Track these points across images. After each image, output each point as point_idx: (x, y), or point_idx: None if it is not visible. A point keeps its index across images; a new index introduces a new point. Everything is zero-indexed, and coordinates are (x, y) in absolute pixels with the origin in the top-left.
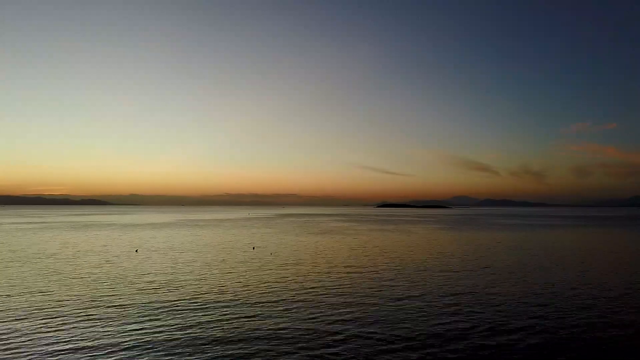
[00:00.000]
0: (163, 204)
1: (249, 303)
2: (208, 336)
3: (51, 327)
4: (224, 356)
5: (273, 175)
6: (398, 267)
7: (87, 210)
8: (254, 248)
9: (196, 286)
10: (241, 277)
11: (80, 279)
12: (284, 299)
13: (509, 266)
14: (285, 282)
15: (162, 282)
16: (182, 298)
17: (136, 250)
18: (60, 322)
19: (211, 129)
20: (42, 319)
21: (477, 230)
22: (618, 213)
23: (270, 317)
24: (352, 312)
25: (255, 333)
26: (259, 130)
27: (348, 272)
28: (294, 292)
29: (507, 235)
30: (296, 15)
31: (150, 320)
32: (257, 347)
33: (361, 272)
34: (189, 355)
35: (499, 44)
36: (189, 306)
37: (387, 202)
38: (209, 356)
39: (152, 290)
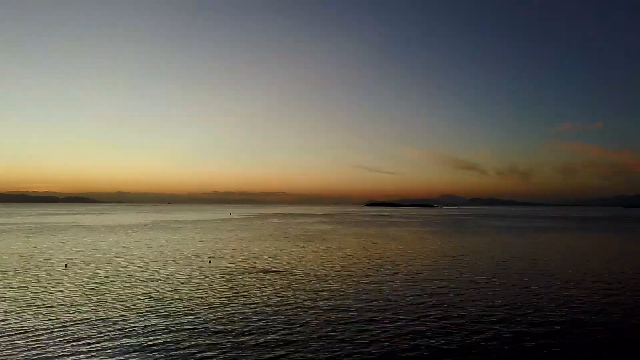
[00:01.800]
0: (150, 201)
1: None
2: None
3: None
4: None
5: (262, 173)
6: (376, 281)
7: (66, 208)
8: (210, 262)
9: (111, 312)
10: (174, 303)
11: None
12: (216, 327)
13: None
14: (230, 306)
15: (73, 308)
16: (87, 326)
17: (66, 265)
18: None
19: (199, 126)
20: None
21: (462, 234)
22: (603, 214)
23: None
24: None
25: None
26: (247, 128)
27: (320, 287)
28: (238, 321)
29: (494, 239)
30: (283, 12)
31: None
32: None
33: (330, 288)
34: None
35: (489, 44)
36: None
37: (375, 200)
38: None
39: (56, 317)
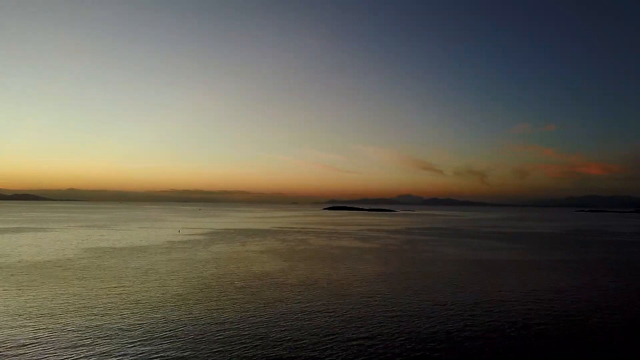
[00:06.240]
0: (103, 199)
1: None
2: None
3: None
4: None
5: (221, 170)
6: None
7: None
8: None
9: None
10: None
11: None
12: None
13: None
14: None
15: None
16: None
17: None
18: None
19: (156, 121)
20: None
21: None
22: (558, 228)
23: None
24: None
25: None
26: (207, 125)
27: None
28: None
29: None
30: (242, 6)
31: None
32: None
33: None
34: None
35: (446, 45)
36: None
37: (336, 200)
38: None
39: None
